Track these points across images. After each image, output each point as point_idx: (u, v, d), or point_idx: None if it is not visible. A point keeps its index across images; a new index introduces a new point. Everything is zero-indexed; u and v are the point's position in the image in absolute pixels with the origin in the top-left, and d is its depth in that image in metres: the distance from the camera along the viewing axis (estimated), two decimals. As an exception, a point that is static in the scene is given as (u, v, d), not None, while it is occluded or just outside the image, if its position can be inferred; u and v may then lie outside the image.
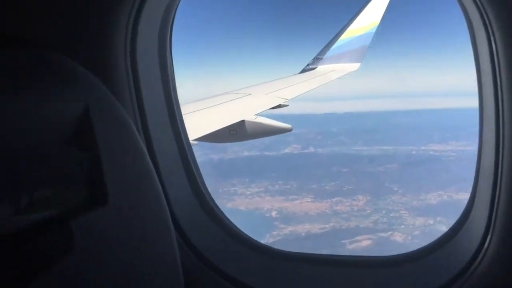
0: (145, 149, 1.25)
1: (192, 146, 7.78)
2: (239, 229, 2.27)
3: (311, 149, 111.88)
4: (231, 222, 2.27)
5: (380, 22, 12.08)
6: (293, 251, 2.27)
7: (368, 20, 12.17)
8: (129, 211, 1.16)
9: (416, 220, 68.79)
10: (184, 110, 7.77)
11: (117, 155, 1.13)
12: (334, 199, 79.02)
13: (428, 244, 2.09)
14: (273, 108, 8.75)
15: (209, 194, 2.30)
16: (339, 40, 12.22)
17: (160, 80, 1.97)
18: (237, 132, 7.58)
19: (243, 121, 7.50)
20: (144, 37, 1.76)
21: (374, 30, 12.14)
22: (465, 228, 2.01)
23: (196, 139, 6.76)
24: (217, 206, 2.28)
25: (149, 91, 1.84)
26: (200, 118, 7.39)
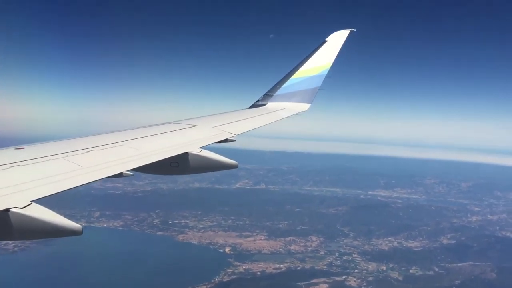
0: None
1: (132, 176, 7.11)
2: None
3: (263, 185, 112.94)
4: None
5: (333, 65, 12.27)
6: None
7: (321, 61, 12.31)
8: None
9: (369, 265, 69.52)
10: (122, 137, 7.27)
11: None
12: (287, 238, 79.44)
13: None
14: (219, 142, 8.42)
15: None
16: (291, 78, 12.27)
17: None
18: (179, 164, 7.19)
19: (186, 153, 7.13)
20: None
21: (325, 73, 12.27)
22: None
23: (133, 170, 6.33)
24: None
25: None
26: (138, 148, 6.96)
